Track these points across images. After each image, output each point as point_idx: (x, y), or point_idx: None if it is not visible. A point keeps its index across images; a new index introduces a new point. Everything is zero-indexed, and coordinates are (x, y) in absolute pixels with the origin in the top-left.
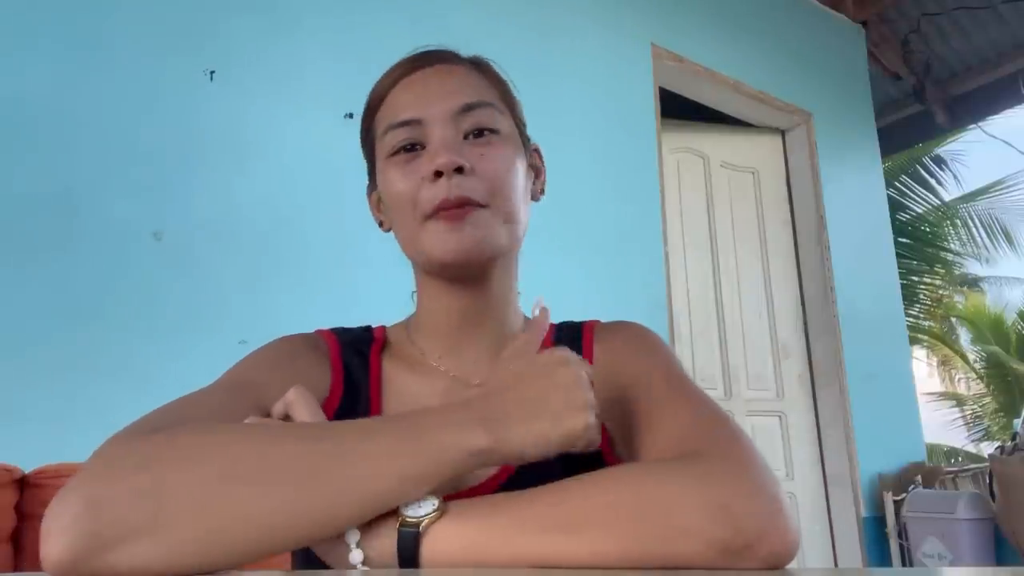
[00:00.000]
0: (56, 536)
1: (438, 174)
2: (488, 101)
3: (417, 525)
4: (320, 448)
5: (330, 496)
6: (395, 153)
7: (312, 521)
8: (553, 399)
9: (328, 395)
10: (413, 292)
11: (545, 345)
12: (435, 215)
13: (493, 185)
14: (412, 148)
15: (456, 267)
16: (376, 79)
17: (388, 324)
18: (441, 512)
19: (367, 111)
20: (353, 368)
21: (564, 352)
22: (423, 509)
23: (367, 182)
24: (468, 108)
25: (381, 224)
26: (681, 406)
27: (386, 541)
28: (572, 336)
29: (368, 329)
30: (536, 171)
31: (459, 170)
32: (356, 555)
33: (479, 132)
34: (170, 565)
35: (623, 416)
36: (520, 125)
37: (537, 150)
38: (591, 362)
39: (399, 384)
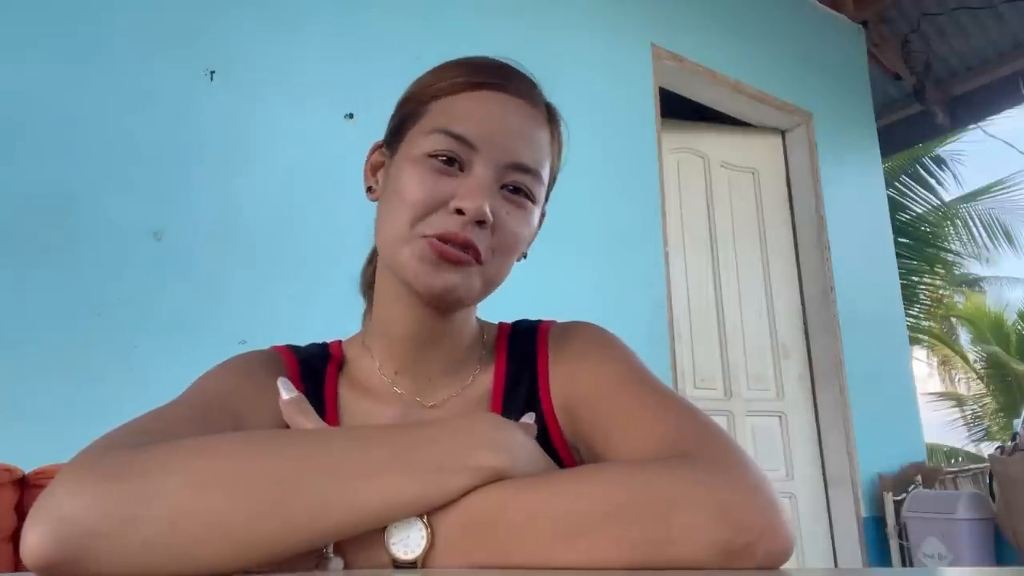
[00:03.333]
0: (33, 551)
1: (460, 212)
2: (540, 171)
3: (414, 564)
4: (302, 457)
5: (310, 509)
6: (431, 156)
7: (288, 534)
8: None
9: None
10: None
11: (500, 345)
12: (433, 238)
13: (502, 246)
14: (450, 161)
15: (420, 298)
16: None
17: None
18: (431, 542)
19: (429, 88)
20: (309, 391)
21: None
22: (412, 543)
23: (380, 139)
24: (521, 168)
25: (370, 190)
26: (661, 407)
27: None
28: (527, 342)
29: (324, 346)
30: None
31: (481, 222)
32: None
33: (516, 189)
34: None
35: (587, 422)
36: (550, 191)
37: (544, 215)
38: (544, 368)
39: (355, 409)
